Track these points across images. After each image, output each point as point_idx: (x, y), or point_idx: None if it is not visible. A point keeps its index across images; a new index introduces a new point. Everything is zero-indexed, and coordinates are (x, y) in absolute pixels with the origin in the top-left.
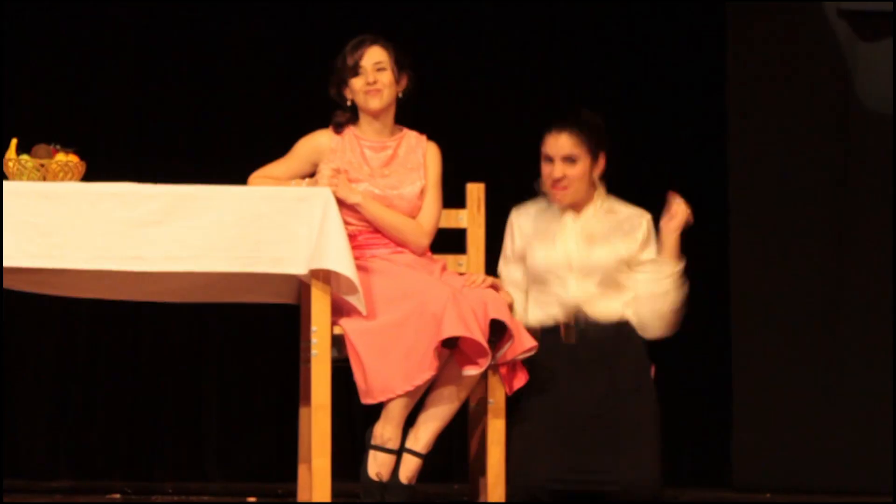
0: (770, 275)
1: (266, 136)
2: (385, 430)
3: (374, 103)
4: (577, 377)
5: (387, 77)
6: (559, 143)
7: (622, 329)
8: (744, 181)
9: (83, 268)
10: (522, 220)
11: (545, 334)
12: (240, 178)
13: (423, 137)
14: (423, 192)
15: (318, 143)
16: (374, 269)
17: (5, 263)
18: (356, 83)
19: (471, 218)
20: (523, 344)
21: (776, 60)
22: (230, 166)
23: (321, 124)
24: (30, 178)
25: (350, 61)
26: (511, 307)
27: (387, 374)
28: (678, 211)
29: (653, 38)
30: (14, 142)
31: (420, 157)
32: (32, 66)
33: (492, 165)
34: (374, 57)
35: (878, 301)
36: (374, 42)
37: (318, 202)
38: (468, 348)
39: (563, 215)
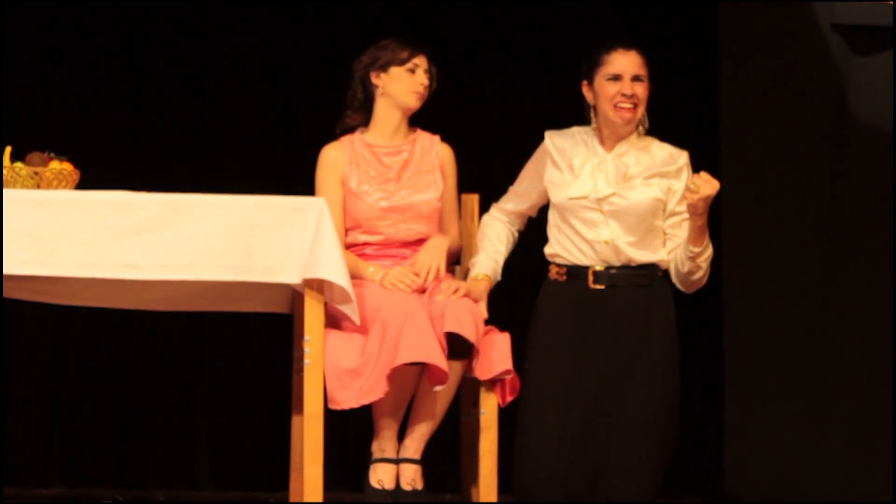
0: (763, 283)
1: (260, 145)
2: (380, 444)
3: (415, 103)
4: (599, 345)
5: (429, 88)
6: (630, 60)
7: (655, 280)
8: (736, 194)
9: (75, 275)
10: (557, 140)
11: (570, 276)
12: (233, 186)
13: (437, 139)
14: (441, 196)
15: (334, 162)
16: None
17: None
18: (407, 78)
19: (464, 228)
20: (493, 364)
21: (769, 76)
22: (224, 175)
23: (314, 133)
24: (24, 186)
25: (405, 55)
26: (484, 319)
27: (339, 387)
28: (700, 184)
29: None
30: (8, 150)
31: (435, 159)
32: (27, 74)
33: (485, 176)
34: (426, 64)
35: (873, 311)
36: (428, 52)
37: (312, 211)
38: (432, 366)
39: (598, 148)
